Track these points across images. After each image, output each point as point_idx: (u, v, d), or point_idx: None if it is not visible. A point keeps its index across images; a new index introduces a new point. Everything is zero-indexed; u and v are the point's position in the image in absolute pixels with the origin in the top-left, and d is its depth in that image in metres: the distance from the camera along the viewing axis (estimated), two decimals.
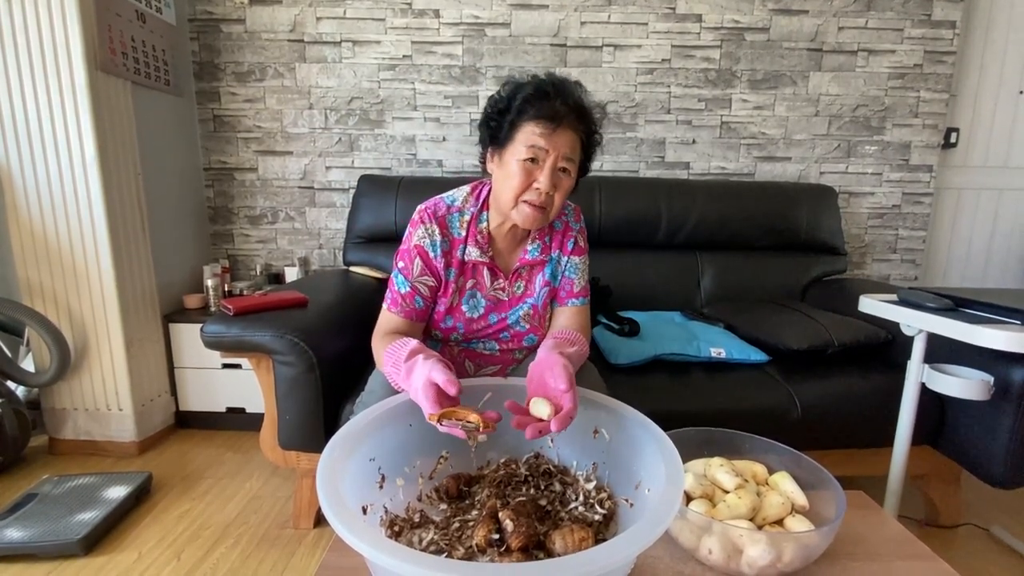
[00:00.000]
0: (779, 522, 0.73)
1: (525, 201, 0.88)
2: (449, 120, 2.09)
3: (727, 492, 0.75)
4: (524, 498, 0.69)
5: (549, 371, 0.72)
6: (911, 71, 2.08)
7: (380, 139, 2.11)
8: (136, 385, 1.74)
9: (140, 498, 1.50)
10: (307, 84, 2.07)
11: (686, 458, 0.68)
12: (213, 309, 1.94)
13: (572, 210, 1.04)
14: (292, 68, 2.06)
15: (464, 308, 0.98)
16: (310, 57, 2.05)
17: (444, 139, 2.11)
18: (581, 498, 0.70)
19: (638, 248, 1.94)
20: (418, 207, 0.96)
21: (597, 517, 0.67)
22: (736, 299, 1.84)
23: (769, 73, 2.08)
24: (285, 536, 1.37)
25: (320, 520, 1.42)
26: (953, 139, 2.19)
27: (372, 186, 1.91)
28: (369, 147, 2.12)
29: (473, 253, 0.95)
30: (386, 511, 0.67)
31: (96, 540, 1.31)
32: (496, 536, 0.60)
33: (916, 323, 1.13)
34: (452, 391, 0.67)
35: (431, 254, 0.94)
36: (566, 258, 1.01)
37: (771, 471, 0.82)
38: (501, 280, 0.99)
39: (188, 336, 1.87)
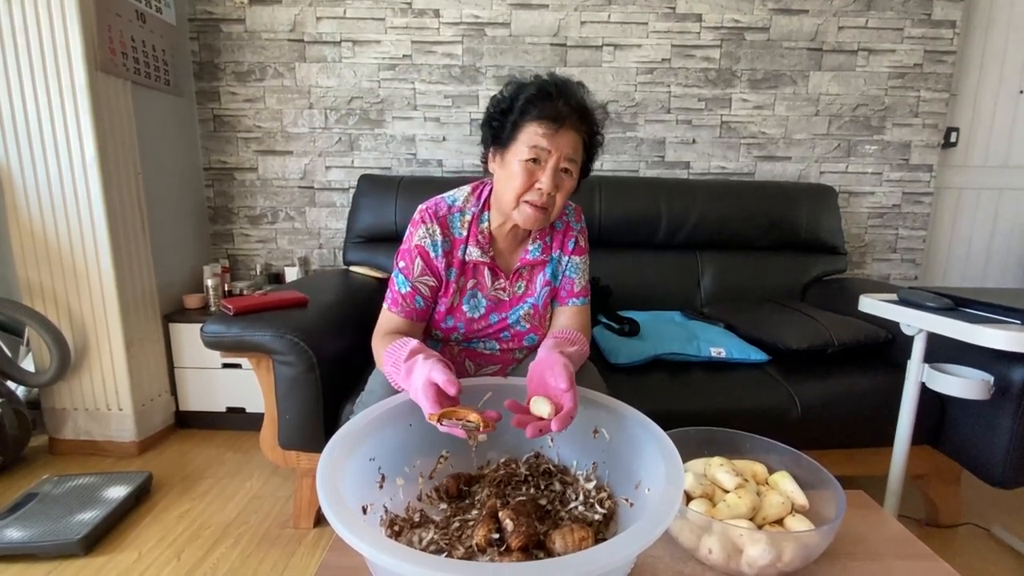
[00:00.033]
0: (779, 522, 0.73)
1: (527, 201, 0.88)
2: (449, 120, 2.09)
3: (727, 492, 0.75)
4: (524, 498, 0.69)
5: (549, 370, 0.72)
6: (911, 71, 2.08)
7: (380, 139, 2.11)
8: (136, 385, 1.74)
9: (140, 498, 1.50)
10: (307, 84, 2.07)
11: (686, 458, 0.68)
12: (213, 309, 1.94)
13: (573, 210, 1.04)
14: (292, 68, 2.06)
15: (465, 308, 0.98)
16: (310, 57, 2.05)
17: (444, 139, 2.11)
18: (581, 498, 0.70)
19: (638, 248, 1.94)
20: (419, 207, 0.96)
21: (597, 517, 0.67)
22: (736, 299, 1.84)
23: (769, 73, 2.08)
24: (285, 536, 1.37)
25: (320, 520, 1.42)
26: (953, 139, 2.19)
27: (372, 186, 1.91)
28: (369, 147, 2.12)
29: (474, 253, 0.95)
30: (386, 511, 0.67)
31: (96, 540, 1.31)
32: (496, 536, 0.60)
33: (916, 323, 1.13)
34: (452, 391, 0.67)
35: (432, 254, 0.94)
36: (567, 258, 1.01)
37: (771, 471, 0.82)
38: (502, 280, 0.99)
39: (188, 336, 1.87)
